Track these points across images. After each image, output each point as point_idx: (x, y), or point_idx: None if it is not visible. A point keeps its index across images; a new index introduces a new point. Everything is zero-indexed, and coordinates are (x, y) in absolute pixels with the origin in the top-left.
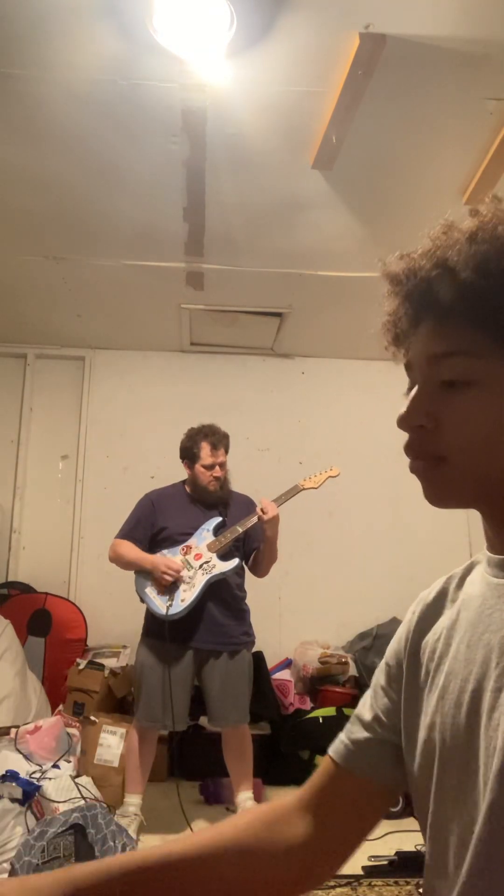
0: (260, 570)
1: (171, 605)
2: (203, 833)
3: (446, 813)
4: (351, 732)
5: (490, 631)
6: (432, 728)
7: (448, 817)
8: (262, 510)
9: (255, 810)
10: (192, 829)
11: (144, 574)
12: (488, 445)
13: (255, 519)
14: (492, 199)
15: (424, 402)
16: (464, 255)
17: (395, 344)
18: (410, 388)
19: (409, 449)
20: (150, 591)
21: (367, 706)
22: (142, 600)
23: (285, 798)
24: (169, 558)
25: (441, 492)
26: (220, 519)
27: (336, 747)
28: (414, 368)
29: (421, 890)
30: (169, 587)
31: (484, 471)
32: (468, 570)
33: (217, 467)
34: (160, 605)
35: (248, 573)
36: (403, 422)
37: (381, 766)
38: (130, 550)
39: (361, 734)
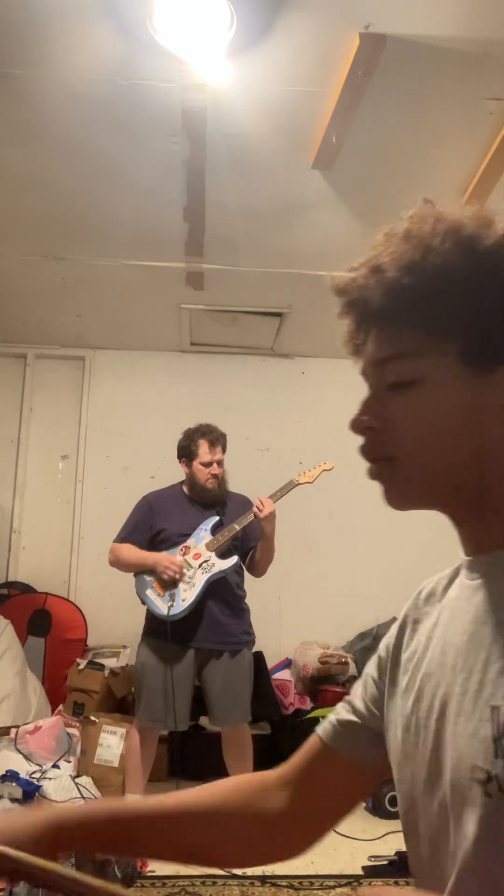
0: (258, 569)
1: (171, 606)
2: (183, 794)
3: (417, 815)
4: (340, 714)
5: (458, 634)
6: (407, 729)
7: (419, 820)
8: (257, 507)
9: (235, 780)
10: None
11: (145, 575)
12: (435, 441)
13: (251, 516)
14: (424, 201)
15: (373, 405)
16: (392, 256)
17: (356, 355)
18: None
19: (363, 451)
20: (151, 593)
21: (358, 695)
22: (143, 602)
23: (266, 771)
24: (170, 555)
25: (396, 492)
26: (217, 518)
27: (324, 727)
28: (367, 375)
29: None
30: (169, 587)
31: (434, 468)
32: (457, 573)
33: (215, 464)
34: (161, 605)
35: (246, 573)
36: (354, 424)
37: (368, 749)
38: (130, 552)
39: (351, 718)
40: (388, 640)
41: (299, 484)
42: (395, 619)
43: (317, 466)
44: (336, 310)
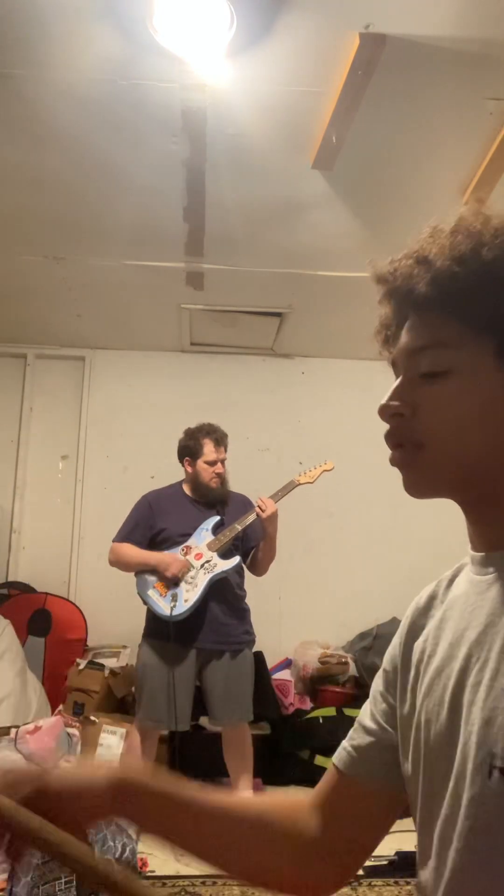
0: (259, 569)
1: (174, 606)
2: (226, 796)
3: (431, 809)
4: (353, 739)
5: (471, 627)
6: (419, 727)
7: (432, 813)
8: (260, 508)
9: (271, 796)
10: None
11: (147, 575)
12: (463, 432)
13: (253, 516)
14: (475, 200)
15: (403, 392)
16: (441, 247)
17: (386, 346)
18: None
19: (389, 436)
20: (153, 593)
21: (367, 713)
22: (144, 602)
23: (299, 797)
24: (172, 554)
25: (419, 479)
26: (218, 518)
27: (339, 755)
28: (398, 364)
29: None
30: (171, 587)
31: (460, 458)
32: (457, 573)
33: (219, 463)
34: (164, 606)
35: (246, 573)
36: (383, 410)
37: (385, 772)
38: (132, 552)
39: (364, 740)
40: (392, 652)
41: (300, 484)
42: (395, 619)
43: (317, 467)
44: (377, 297)
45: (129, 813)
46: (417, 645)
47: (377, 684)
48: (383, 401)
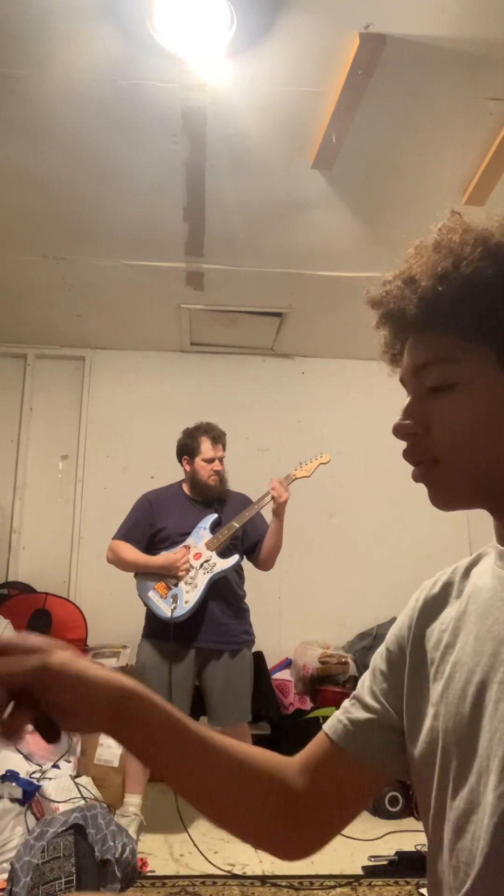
0: (267, 563)
1: (175, 608)
2: (222, 736)
3: (444, 801)
4: (349, 713)
5: (499, 623)
6: (436, 717)
7: (446, 805)
8: (276, 493)
9: (262, 749)
10: (188, 831)
11: (146, 578)
12: (476, 442)
13: (252, 513)
14: (452, 213)
15: (414, 410)
16: (424, 266)
17: (394, 365)
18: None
19: (407, 455)
20: (154, 595)
21: (366, 689)
22: (145, 604)
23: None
24: (172, 554)
25: (442, 493)
26: (215, 516)
27: (333, 725)
28: (406, 383)
29: (421, 890)
30: (171, 589)
31: (477, 467)
32: (474, 562)
33: (217, 461)
34: (165, 608)
35: (246, 573)
36: (397, 429)
37: (377, 749)
38: (132, 552)
39: (361, 715)
40: (399, 633)
41: (297, 478)
42: (395, 619)
43: (313, 460)
44: (373, 321)
45: (120, 736)
46: (432, 631)
47: (379, 662)
48: (396, 420)
